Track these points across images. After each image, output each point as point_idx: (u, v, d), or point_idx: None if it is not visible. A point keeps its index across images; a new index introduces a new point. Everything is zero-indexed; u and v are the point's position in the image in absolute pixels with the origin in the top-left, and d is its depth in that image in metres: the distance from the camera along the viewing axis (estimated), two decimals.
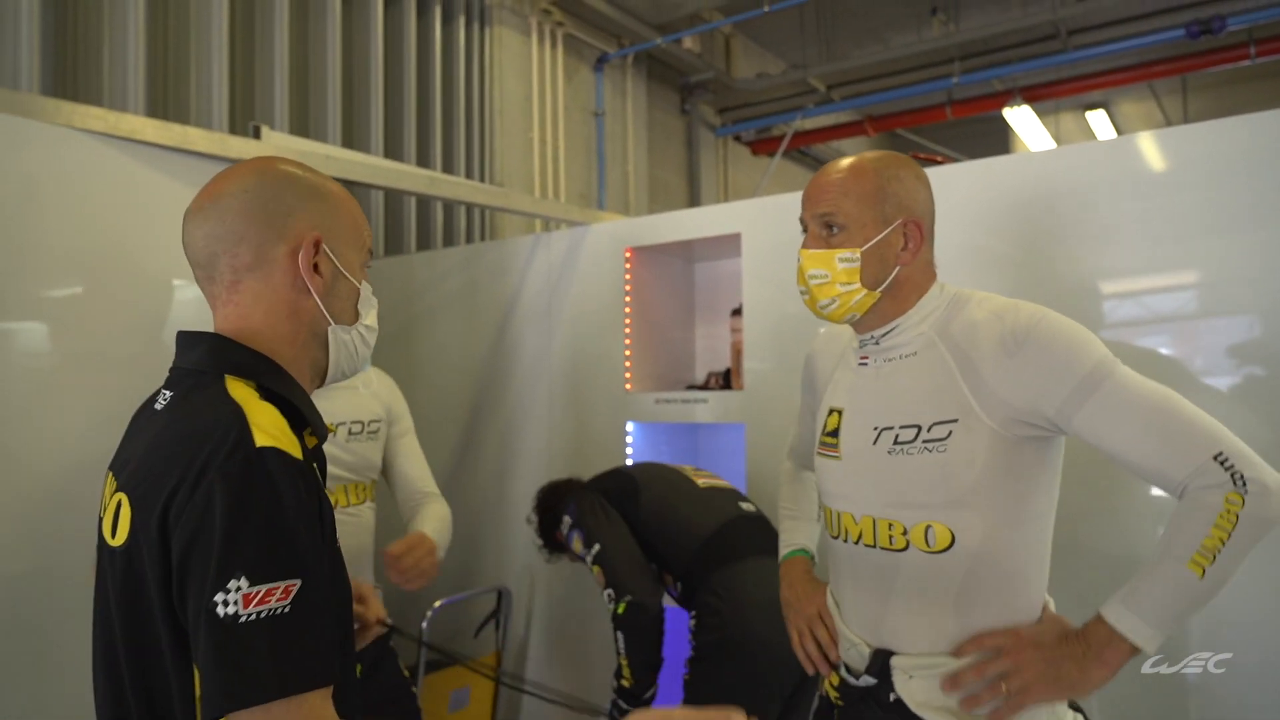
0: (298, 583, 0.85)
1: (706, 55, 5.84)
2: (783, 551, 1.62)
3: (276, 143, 2.20)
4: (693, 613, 2.01)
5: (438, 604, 2.64)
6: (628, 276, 2.80)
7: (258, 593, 0.82)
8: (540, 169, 4.66)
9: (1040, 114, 6.13)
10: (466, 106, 4.22)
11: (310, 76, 3.57)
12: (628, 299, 2.80)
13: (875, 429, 1.30)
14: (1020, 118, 5.86)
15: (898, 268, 1.31)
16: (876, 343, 1.34)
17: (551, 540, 2.29)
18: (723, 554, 1.99)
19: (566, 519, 2.16)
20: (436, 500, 2.05)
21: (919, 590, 1.26)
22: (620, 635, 1.95)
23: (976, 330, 1.25)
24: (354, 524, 1.91)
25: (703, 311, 3.12)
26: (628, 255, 2.80)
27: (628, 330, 2.80)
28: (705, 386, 2.85)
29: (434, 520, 1.96)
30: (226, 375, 0.97)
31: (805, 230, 1.36)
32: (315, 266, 1.02)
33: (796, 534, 1.63)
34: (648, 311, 2.87)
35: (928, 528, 1.24)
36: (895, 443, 1.26)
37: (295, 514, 0.88)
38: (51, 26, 2.67)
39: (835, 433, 1.37)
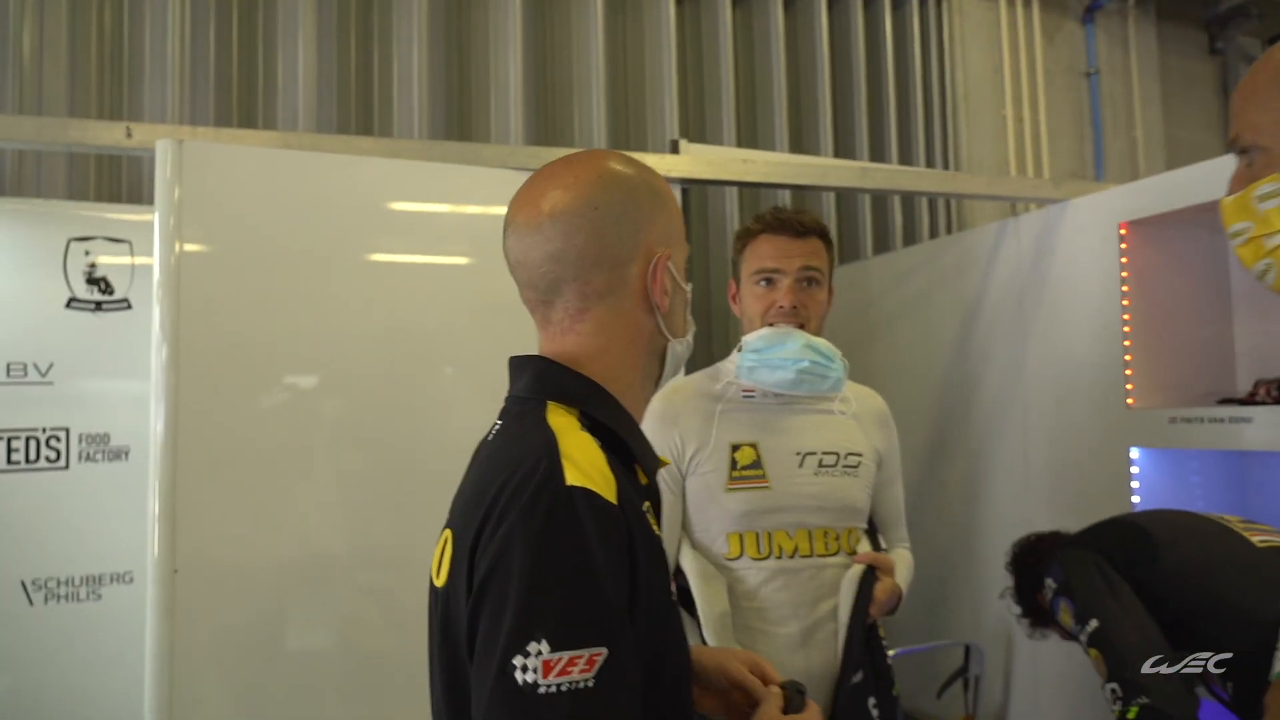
0: (604, 652, 0.71)
1: None
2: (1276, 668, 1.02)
3: (695, 154, 2.12)
4: None
5: (893, 653, 2.30)
6: (1124, 260, 2.18)
7: (559, 660, 0.69)
8: (1016, 148, 4.04)
9: None
10: (925, 93, 3.84)
11: (756, 86, 3.53)
12: (1125, 288, 2.18)
13: None
14: None
15: None
16: None
17: (1032, 605, 1.81)
18: None
19: (1050, 582, 1.66)
20: (904, 545, 1.74)
21: None
22: None
23: None
24: (806, 577, 1.55)
25: (1244, 299, 2.31)
26: (1123, 232, 2.18)
27: (1127, 329, 2.17)
28: (1251, 400, 2.08)
29: (902, 565, 1.66)
30: (549, 401, 0.86)
31: None
32: (662, 283, 0.91)
33: None
34: (1156, 302, 2.20)
35: None
36: None
37: (605, 570, 0.74)
38: (442, 76, 2.96)
39: None
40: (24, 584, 2.12)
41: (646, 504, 0.86)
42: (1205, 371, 2.25)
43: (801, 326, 1.57)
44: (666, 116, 3.24)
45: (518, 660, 0.69)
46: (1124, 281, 2.17)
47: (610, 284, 0.89)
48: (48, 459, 2.15)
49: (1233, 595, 1.43)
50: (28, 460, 2.14)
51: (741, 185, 2.07)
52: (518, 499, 0.75)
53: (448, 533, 0.85)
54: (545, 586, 0.72)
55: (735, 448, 1.57)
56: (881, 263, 3.25)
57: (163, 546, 1.66)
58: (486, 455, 0.87)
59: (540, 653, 0.69)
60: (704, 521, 1.58)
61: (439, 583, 0.84)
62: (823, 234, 1.62)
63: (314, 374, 1.84)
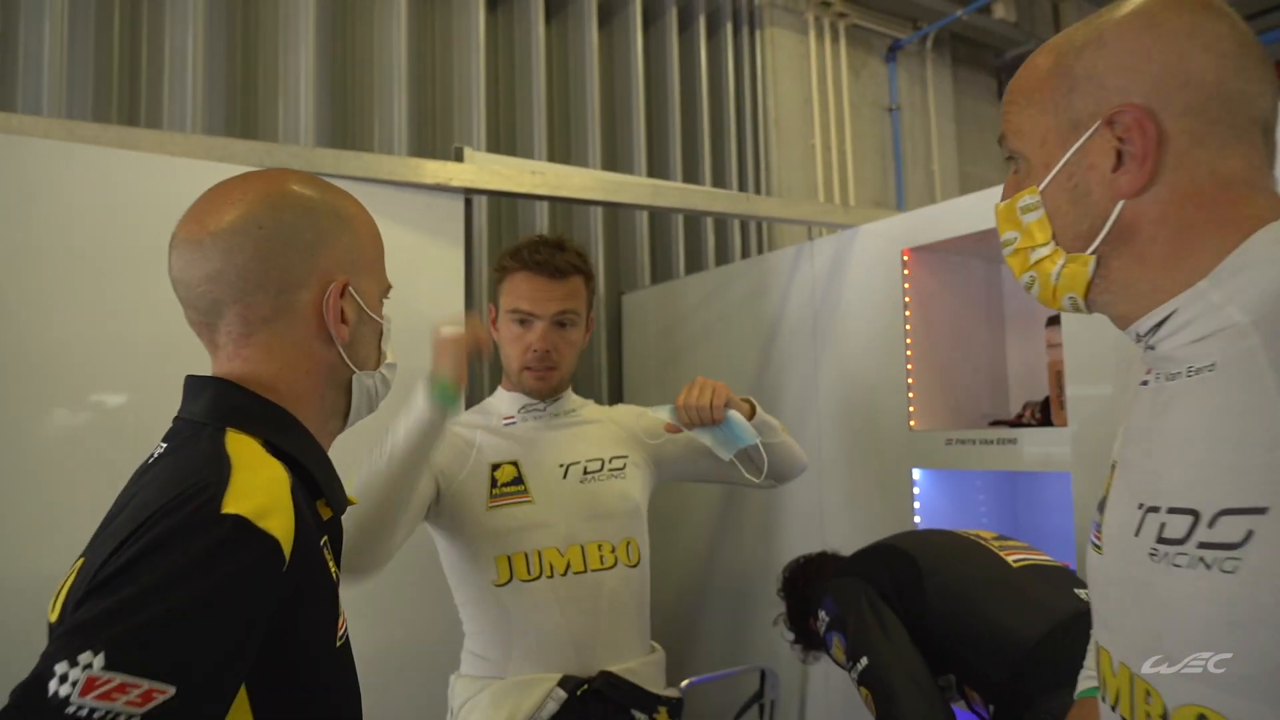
0: (169, 692, 0.61)
1: (1025, 24, 4.96)
2: (1080, 686, 1.03)
3: (480, 163, 2.00)
4: None
5: (685, 683, 2.24)
6: (907, 285, 2.23)
7: (107, 682, 0.59)
8: (824, 176, 4.18)
9: None
10: (737, 119, 3.89)
11: (570, 102, 3.46)
12: (908, 313, 2.23)
13: (1140, 508, 0.70)
14: None
15: (1118, 203, 0.70)
16: (1151, 346, 0.73)
17: (803, 630, 1.79)
18: (1059, 671, 1.32)
19: (823, 615, 1.62)
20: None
21: None
22: None
23: None
24: (582, 594, 1.51)
25: (1016, 323, 2.44)
26: (906, 258, 2.23)
27: (909, 353, 2.23)
28: (1018, 421, 2.18)
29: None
30: (229, 428, 0.77)
31: None
32: (341, 312, 0.85)
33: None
34: (935, 327, 2.27)
35: (1200, 717, 0.63)
36: (1159, 539, 0.66)
37: (227, 608, 0.66)
38: (222, 65, 2.71)
39: (1103, 505, 0.80)
40: None
41: (325, 538, 0.79)
42: (983, 394, 2.34)
43: (552, 369, 1.55)
44: (474, 126, 3.10)
45: (60, 668, 0.59)
46: (906, 306, 2.23)
47: (276, 309, 0.83)
48: None
49: (993, 618, 1.44)
50: None
51: (528, 198, 1.97)
52: (163, 521, 0.67)
53: (79, 562, 0.74)
54: (137, 603, 0.62)
55: (495, 466, 1.51)
56: (692, 282, 3.24)
57: None
58: (146, 481, 0.76)
59: (90, 665, 0.59)
60: (468, 549, 1.49)
61: (52, 618, 0.74)
62: (582, 271, 1.58)
63: (86, 379, 1.63)
